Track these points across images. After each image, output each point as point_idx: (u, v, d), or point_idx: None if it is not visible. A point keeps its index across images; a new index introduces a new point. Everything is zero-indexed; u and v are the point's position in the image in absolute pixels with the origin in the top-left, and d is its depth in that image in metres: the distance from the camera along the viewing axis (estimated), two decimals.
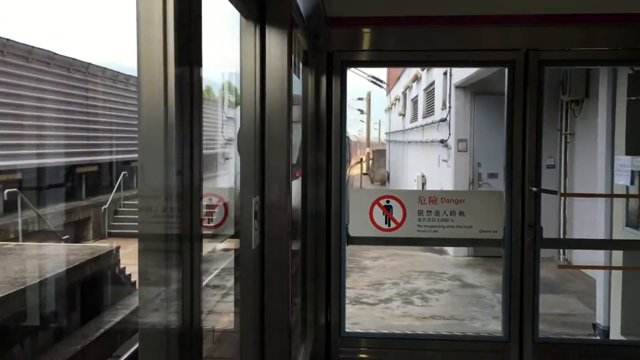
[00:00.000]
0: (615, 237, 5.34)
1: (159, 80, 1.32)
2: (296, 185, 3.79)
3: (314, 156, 3.70)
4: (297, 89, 3.63)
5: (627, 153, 5.15)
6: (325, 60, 3.71)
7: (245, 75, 2.28)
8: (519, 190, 3.65)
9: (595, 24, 3.51)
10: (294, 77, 2.66)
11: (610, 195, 5.24)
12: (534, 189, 3.60)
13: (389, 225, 3.74)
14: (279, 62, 2.30)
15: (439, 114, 11.55)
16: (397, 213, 3.73)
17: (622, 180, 5.18)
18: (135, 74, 1.29)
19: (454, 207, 3.72)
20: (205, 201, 3.02)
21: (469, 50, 3.71)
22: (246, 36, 2.29)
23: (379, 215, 3.73)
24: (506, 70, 3.67)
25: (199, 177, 1.44)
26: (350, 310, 6.76)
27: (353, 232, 3.76)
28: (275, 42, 2.29)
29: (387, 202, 3.74)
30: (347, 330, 3.92)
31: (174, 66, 1.33)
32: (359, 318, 6.46)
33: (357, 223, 3.75)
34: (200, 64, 1.52)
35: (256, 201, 2.22)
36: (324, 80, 3.72)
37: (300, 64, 3.65)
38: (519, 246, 3.67)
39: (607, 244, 4.52)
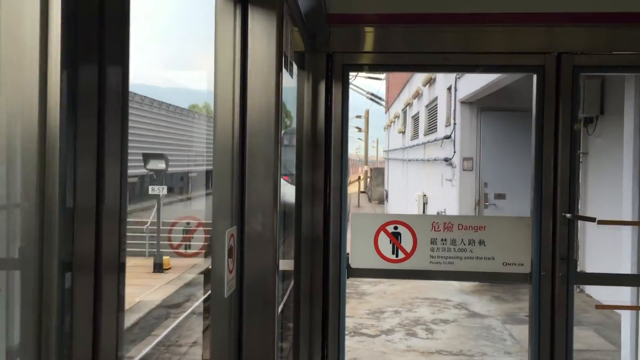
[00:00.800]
0: None
1: (31, 82, 0.83)
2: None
3: (309, 174, 3.18)
4: (290, 92, 3.13)
5: None
6: (325, 63, 3.20)
7: (221, 71, 1.76)
8: (550, 217, 3.12)
9: None
10: (286, 75, 2.14)
11: None
12: (568, 215, 3.08)
13: (397, 256, 3.20)
14: (266, 53, 1.78)
15: (442, 131, 11.07)
16: (406, 241, 3.19)
17: None
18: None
19: (473, 235, 3.18)
20: (181, 225, 2.47)
21: (490, 53, 3.20)
22: (222, 20, 1.78)
23: (385, 244, 3.19)
24: (534, 77, 3.16)
25: (117, 197, 0.92)
26: (348, 342, 6.19)
27: (354, 263, 3.22)
28: (261, 27, 1.77)
29: (395, 228, 3.20)
30: None
31: (59, 65, 0.85)
32: (358, 352, 5.89)
33: (360, 252, 3.21)
34: (120, 63, 1.02)
35: (231, 234, 1.68)
36: (322, 86, 3.21)
37: (295, 67, 3.15)
38: (548, 282, 3.14)
39: None
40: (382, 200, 30.16)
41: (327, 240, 3.23)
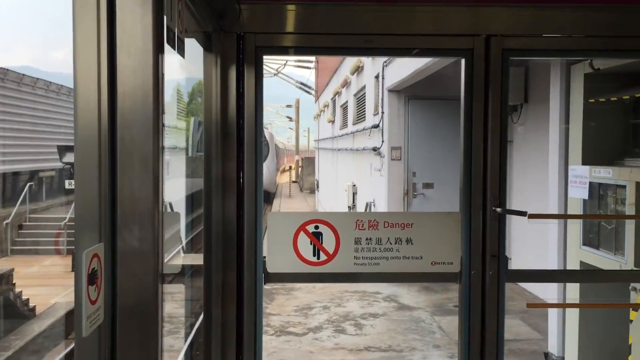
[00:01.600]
0: (570, 257, 4.77)
1: None
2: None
3: (219, 165, 2.84)
4: (191, 74, 2.78)
5: (584, 162, 4.60)
6: (235, 45, 2.86)
7: (81, 44, 1.39)
8: (480, 212, 2.92)
9: (572, 5, 2.85)
10: (174, 56, 1.79)
11: (583, 217, 4.63)
12: (498, 209, 2.89)
13: (318, 258, 2.91)
14: (140, 26, 1.42)
15: (370, 120, 10.91)
16: (328, 242, 2.91)
17: (578, 193, 4.62)
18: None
19: (399, 232, 2.94)
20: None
21: (417, 35, 2.95)
22: None
23: (305, 245, 2.90)
24: (463, 62, 2.94)
25: None
26: (274, 343, 5.91)
27: (272, 267, 2.91)
28: None
29: (316, 227, 2.92)
30: None
31: None
32: (284, 353, 5.61)
33: (277, 255, 2.90)
34: None
35: (93, 254, 1.32)
36: (233, 70, 2.87)
37: (202, 50, 2.80)
38: (479, 281, 2.95)
39: (583, 276, 3.87)
40: (313, 190, 30.03)
41: (241, 238, 2.91)
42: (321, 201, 23.37)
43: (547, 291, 5.42)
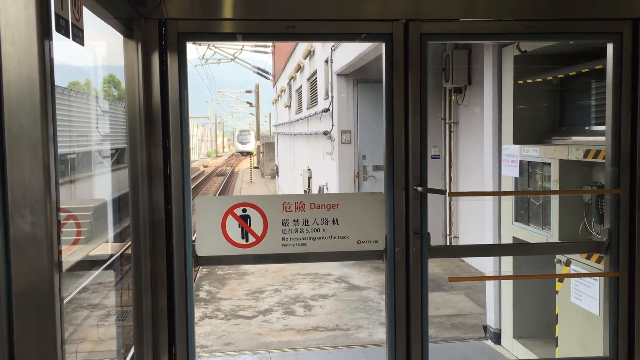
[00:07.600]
0: (504, 233, 4.96)
1: None
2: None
3: (144, 153, 2.86)
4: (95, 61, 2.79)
5: (515, 142, 4.76)
6: (157, 31, 2.87)
7: None
8: (402, 191, 3.03)
9: None
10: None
11: (499, 193, 4.82)
12: (419, 188, 3.00)
13: (247, 240, 2.98)
14: (24, 15, 1.45)
15: (322, 104, 10.97)
16: (256, 224, 2.98)
17: (510, 172, 4.79)
18: None
19: (326, 213, 3.03)
20: None
21: (339, 20, 3.02)
22: None
23: (233, 228, 2.96)
24: (383, 46, 3.03)
25: None
26: (223, 327, 5.96)
27: (201, 250, 2.96)
28: None
29: (244, 210, 2.98)
30: None
31: None
32: (233, 336, 5.67)
33: (206, 239, 2.96)
34: None
35: None
36: (155, 57, 2.88)
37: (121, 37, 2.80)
38: (403, 257, 3.06)
39: (500, 249, 4.06)
40: (274, 175, 30.01)
41: (169, 224, 2.94)
42: (281, 186, 23.41)
43: (488, 266, 5.61)
